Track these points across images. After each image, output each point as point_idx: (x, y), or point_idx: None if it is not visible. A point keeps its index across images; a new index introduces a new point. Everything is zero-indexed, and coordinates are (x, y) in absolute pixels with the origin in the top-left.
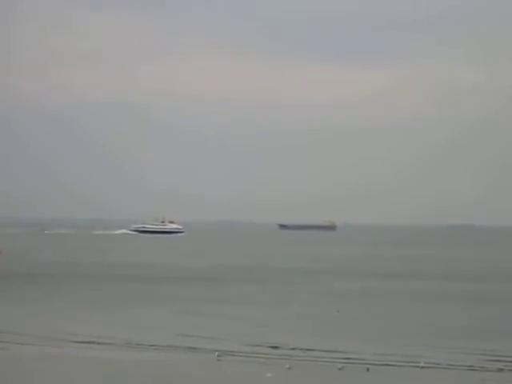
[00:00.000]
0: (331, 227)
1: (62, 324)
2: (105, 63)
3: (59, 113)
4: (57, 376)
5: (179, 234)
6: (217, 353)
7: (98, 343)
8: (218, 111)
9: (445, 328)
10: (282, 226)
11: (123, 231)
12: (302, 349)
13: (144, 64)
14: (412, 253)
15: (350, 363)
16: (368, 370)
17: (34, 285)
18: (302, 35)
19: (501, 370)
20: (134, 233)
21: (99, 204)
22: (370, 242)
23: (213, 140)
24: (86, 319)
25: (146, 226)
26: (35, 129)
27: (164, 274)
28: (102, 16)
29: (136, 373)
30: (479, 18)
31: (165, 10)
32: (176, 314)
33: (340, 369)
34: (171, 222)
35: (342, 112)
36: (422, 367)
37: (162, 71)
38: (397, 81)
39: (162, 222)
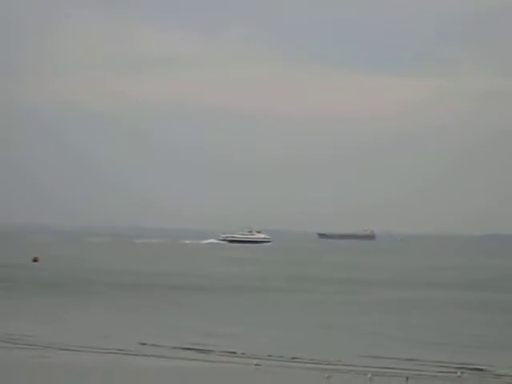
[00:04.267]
0: (370, 236)
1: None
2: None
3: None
4: None
5: (267, 244)
6: (255, 361)
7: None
8: (259, 124)
9: (485, 338)
10: (321, 235)
11: (212, 241)
12: (339, 359)
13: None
14: (452, 262)
15: (390, 373)
16: (407, 379)
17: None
18: (346, 45)
19: None
20: (222, 242)
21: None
22: (411, 251)
23: (251, 151)
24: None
25: (235, 235)
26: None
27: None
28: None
29: None
30: None
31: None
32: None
33: (370, 378)
34: (258, 232)
35: (380, 123)
36: (459, 376)
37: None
38: (437, 91)
39: (250, 231)
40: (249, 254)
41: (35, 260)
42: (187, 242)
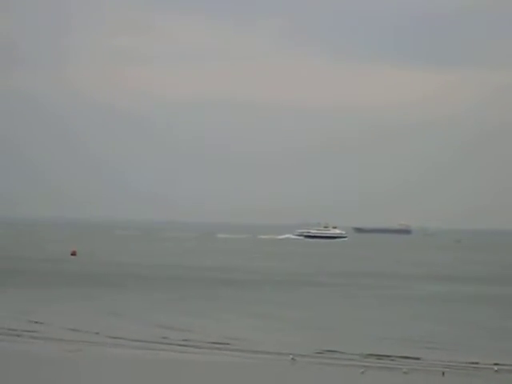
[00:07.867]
0: (406, 231)
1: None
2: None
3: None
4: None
5: (343, 239)
6: (291, 356)
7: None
8: (285, 117)
9: None
10: (358, 230)
11: (288, 236)
12: (374, 354)
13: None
14: (490, 257)
15: (425, 368)
16: (443, 374)
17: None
18: (357, 37)
19: None
20: (298, 237)
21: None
22: (451, 245)
23: (284, 144)
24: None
25: (311, 231)
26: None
27: None
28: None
29: None
30: None
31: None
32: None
33: (405, 372)
34: (334, 228)
35: (402, 111)
36: (497, 371)
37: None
38: (448, 83)
39: (326, 227)
40: (321, 249)
41: (73, 254)
42: (264, 237)
